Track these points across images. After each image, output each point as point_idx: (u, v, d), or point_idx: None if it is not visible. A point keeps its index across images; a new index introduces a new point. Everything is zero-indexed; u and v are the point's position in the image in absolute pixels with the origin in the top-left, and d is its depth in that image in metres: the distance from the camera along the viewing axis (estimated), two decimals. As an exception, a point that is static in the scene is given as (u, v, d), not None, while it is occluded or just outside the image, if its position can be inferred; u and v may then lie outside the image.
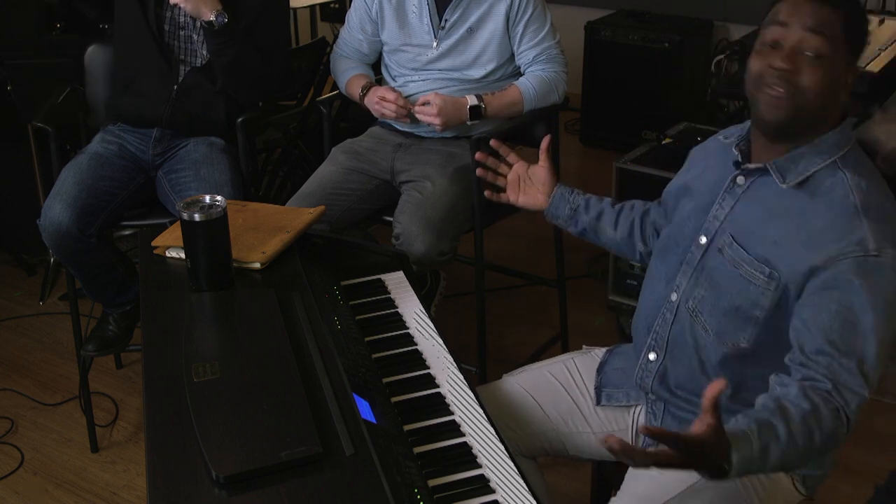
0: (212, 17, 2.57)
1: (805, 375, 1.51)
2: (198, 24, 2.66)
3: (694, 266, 1.70)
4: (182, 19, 2.70)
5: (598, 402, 1.87)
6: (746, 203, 1.64)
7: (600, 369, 1.92)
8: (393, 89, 2.68)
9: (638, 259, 2.00)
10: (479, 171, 2.11)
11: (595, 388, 1.89)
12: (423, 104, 2.62)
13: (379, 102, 2.66)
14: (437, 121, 2.59)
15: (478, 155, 2.13)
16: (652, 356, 1.77)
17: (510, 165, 2.09)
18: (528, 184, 2.06)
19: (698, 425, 1.29)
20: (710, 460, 1.31)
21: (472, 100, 2.62)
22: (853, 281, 1.49)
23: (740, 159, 1.66)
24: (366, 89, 2.71)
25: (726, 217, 1.66)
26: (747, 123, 1.71)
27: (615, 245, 2.02)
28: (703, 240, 1.69)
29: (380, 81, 2.85)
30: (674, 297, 1.73)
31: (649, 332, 1.77)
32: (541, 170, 2.04)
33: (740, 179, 1.66)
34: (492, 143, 2.09)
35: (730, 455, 1.32)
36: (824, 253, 1.51)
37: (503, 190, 2.08)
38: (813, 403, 1.44)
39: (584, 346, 2.02)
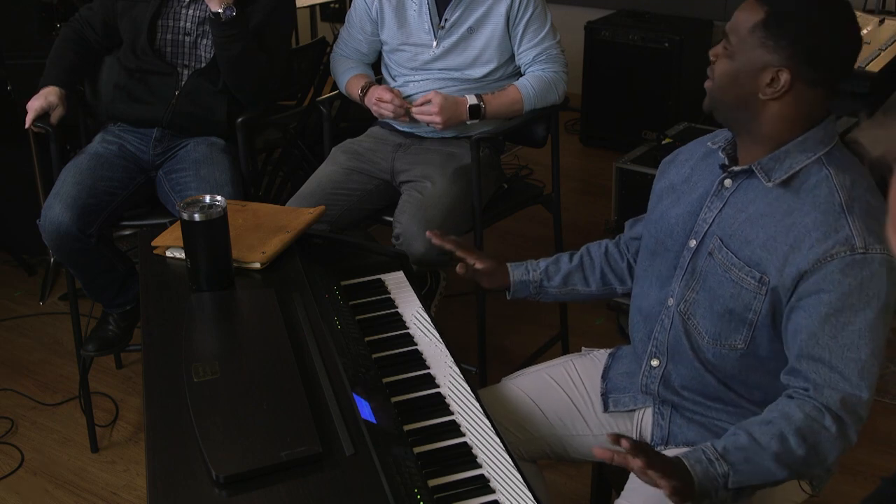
0: (219, 9, 2.57)
1: (790, 384, 1.56)
2: (205, 26, 2.67)
3: (685, 269, 1.72)
4: (188, 25, 2.70)
5: (606, 409, 1.86)
6: (734, 205, 1.66)
7: (605, 375, 1.91)
8: (390, 89, 2.68)
9: (619, 295, 2.03)
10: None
11: (602, 395, 1.88)
12: (423, 104, 2.61)
13: (377, 103, 2.66)
14: (437, 118, 2.59)
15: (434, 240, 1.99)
16: (655, 362, 1.77)
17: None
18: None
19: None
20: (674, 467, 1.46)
21: (471, 99, 2.62)
22: (842, 282, 1.50)
23: (727, 162, 1.68)
24: (365, 89, 2.71)
25: (714, 220, 1.68)
26: None
27: (592, 297, 2.01)
28: (693, 243, 1.71)
29: (380, 81, 2.85)
30: (670, 301, 1.74)
31: (650, 339, 1.78)
32: (478, 266, 1.95)
33: (727, 182, 1.67)
34: (428, 234, 1.99)
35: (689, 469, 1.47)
36: (811, 255, 1.52)
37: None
38: (781, 408, 1.53)
39: (583, 348, 2.01)
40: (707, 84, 1.66)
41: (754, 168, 1.62)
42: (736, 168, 1.65)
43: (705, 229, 1.69)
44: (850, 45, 1.60)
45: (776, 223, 1.58)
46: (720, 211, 1.67)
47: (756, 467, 1.52)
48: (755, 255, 1.60)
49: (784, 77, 1.55)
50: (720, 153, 1.70)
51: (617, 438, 1.43)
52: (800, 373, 1.55)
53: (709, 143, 1.77)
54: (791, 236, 1.55)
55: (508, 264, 1.97)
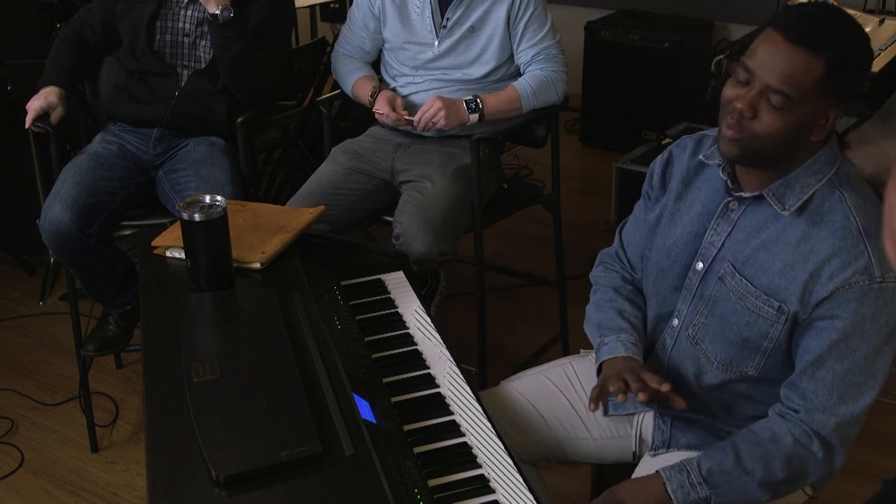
0: (217, 11, 2.57)
1: (786, 400, 1.57)
2: (204, 27, 2.67)
3: (693, 292, 1.68)
4: (187, 26, 2.70)
5: (606, 413, 1.85)
6: (743, 229, 1.61)
7: None
8: (392, 99, 2.67)
9: None
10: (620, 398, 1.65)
11: None
12: (426, 111, 2.61)
13: (376, 112, 2.67)
14: (441, 115, 2.58)
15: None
16: None
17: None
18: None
19: None
20: None
21: (467, 99, 2.61)
22: (857, 311, 1.49)
23: (730, 184, 1.61)
24: (374, 94, 2.71)
25: (724, 243, 1.63)
26: None
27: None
28: (700, 266, 1.66)
29: (380, 82, 2.85)
30: (675, 322, 1.72)
31: (649, 355, 1.77)
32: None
33: (733, 204, 1.62)
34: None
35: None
36: (830, 285, 1.50)
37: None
38: (772, 427, 1.55)
39: (581, 350, 1.99)
40: (732, 134, 1.51)
41: (766, 195, 1.56)
42: (746, 195, 1.59)
43: (714, 253, 1.64)
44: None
45: (792, 250, 1.54)
46: (729, 234, 1.62)
47: (739, 491, 1.55)
48: (773, 283, 1.56)
49: (834, 114, 1.50)
50: (721, 173, 1.62)
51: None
52: (799, 388, 1.55)
53: (701, 157, 1.69)
54: (810, 264, 1.52)
55: (629, 359, 1.71)
